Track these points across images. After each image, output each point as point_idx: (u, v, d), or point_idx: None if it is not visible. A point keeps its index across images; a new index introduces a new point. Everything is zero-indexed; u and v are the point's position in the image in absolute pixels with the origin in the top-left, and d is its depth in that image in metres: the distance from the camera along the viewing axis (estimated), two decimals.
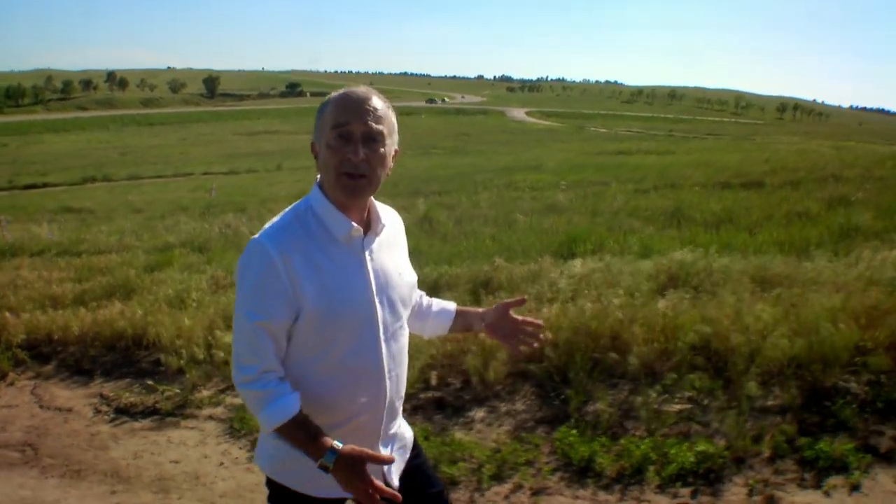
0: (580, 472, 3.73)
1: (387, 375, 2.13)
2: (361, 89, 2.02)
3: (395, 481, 2.24)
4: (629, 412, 4.10)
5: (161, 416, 5.00)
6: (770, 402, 3.98)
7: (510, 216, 10.77)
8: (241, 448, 4.45)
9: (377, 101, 2.01)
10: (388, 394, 2.15)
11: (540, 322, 2.42)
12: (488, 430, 4.21)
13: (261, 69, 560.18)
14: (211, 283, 7.56)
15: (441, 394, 4.62)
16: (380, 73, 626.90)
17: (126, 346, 6.08)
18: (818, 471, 3.48)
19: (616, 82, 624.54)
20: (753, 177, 14.90)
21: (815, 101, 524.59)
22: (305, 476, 2.09)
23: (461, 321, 2.49)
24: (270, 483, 2.23)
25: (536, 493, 3.66)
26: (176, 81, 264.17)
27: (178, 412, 5.01)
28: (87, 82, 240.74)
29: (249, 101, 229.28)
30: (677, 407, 4.04)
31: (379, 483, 1.93)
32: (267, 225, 2.03)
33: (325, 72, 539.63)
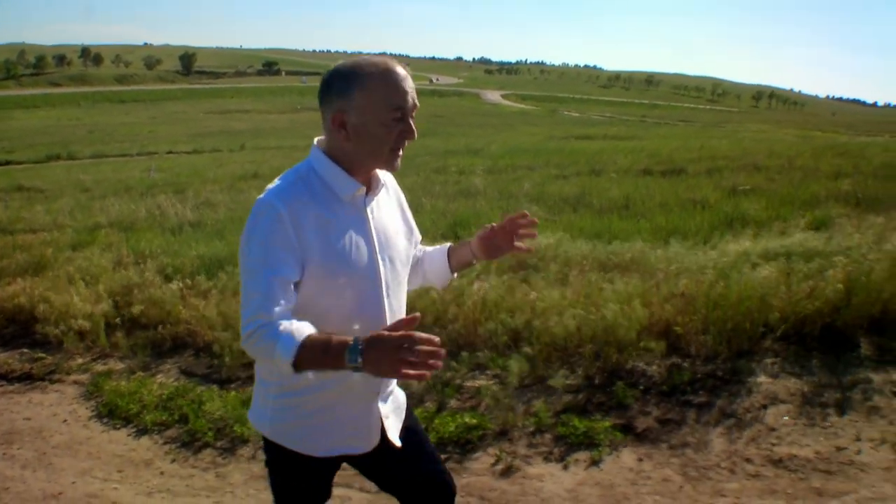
0: None
1: (385, 319, 2.18)
2: (398, 67, 2.07)
3: (397, 440, 2.32)
4: (435, 386, 4.52)
5: (32, 380, 5.49)
6: (571, 381, 4.41)
7: (418, 200, 11.07)
8: (87, 408, 4.95)
9: (411, 79, 2.11)
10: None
11: (527, 213, 2.42)
12: None
13: (239, 47, 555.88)
14: (115, 263, 7.90)
15: None
16: (359, 52, 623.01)
17: (25, 320, 6.47)
18: (568, 446, 3.89)
19: (596, 67, 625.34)
20: (678, 164, 15.22)
21: (792, 90, 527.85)
22: (308, 436, 2.20)
23: (457, 258, 2.52)
24: (269, 445, 2.29)
25: None
26: (151, 58, 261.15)
27: (48, 377, 5.51)
28: (61, 58, 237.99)
29: (225, 79, 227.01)
30: (479, 383, 4.45)
31: (403, 333, 1.80)
32: (270, 186, 2.09)
33: (304, 50, 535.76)
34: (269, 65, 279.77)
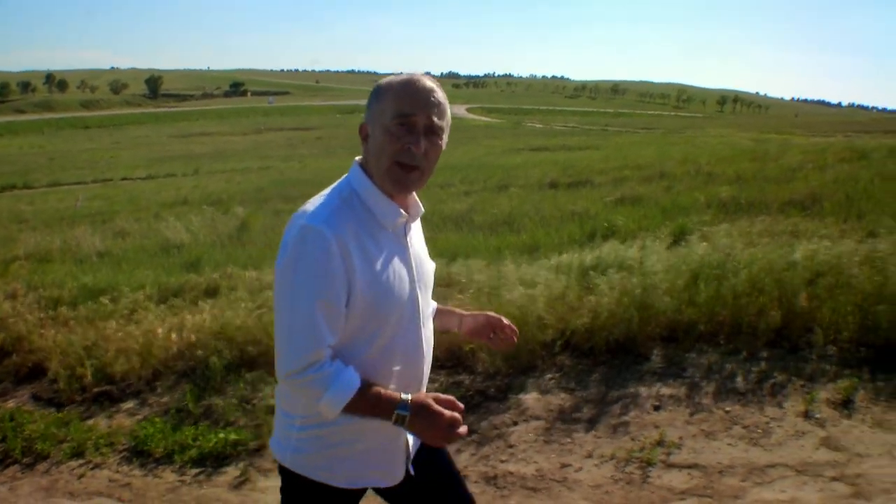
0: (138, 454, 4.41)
1: (424, 359, 2.17)
2: (426, 79, 2.00)
3: (411, 468, 2.27)
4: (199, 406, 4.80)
5: None
6: None
7: None
8: None
9: (441, 95, 2.01)
10: (424, 376, 2.20)
11: (513, 327, 2.48)
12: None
13: (206, 68, 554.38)
14: (9, 295, 8.11)
15: None
16: (326, 70, 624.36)
17: None
18: None
19: (563, 77, 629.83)
20: (586, 176, 15.56)
21: (758, 93, 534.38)
22: (332, 467, 2.12)
23: (442, 322, 2.51)
24: (287, 473, 2.19)
25: (97, 466, 4.35)
26: (117, 82, 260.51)
27: None
28: (26, 84, 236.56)
29: (192, 102, 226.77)
30: (234, 401, 4.73)
31: (452, 413, 1.93)
32: (312, 207, 1.97)
33: (272, 70, 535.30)
34: (237, 86, 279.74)
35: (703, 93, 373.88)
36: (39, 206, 23.66)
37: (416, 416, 1.92)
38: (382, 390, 1.96)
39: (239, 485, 3.96)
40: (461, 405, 1.97)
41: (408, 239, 2.11)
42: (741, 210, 9.73)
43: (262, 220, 12.92)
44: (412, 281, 2.09)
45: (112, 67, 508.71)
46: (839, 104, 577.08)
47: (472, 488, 3.64)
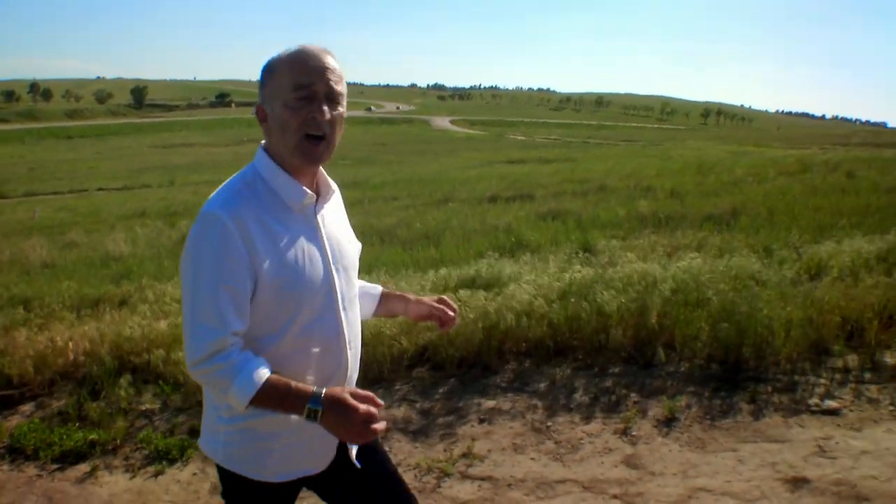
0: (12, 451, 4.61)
1: (347, 346, 2.10)
2: (317, 47, 1.95)
3: (355, 460, 2.23)
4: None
5: None
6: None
7: None
8: None
9: (334, 61, 1.96)
10: (349, 365, 2.12)
11: (455, 308, 2.47)
12: None
13: (193, 79, 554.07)
14: None
15: None
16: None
17: None
18: (148, 459, 4.37)
19: (549, 90, 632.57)
20: (529, 189, 15.88)
21: (742, 106, 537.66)
22: (262, 461, 2.07)
23: (387, 308, 2.49)
24: (224, 473, 2.14)
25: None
26: (102, 92, 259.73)
27: None
28: (10, 93, 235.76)
29: (177, 112, 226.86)
30: (149, 406, 5.01)
31: (367, 408, 1.85)
32: (214, 194, 1.93)
33: (258, 81, 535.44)
34: (222, 96, 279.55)
35: (687, 105, 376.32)
36: (8, 216, 23.84)
37: (329, 410, 1.84)
38: (294, 383, 1.88)
39: (83, 479, 4.21)
40: (380, 401, 1.90)
41: (319, 219, 2.04)
42: (660, 224, 10.05)
43: None
44: (326, 263, 2.02)
45: (98, 77, 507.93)
46: (823, 117, 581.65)
47: None
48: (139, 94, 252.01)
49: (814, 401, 4.53)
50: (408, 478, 3.94)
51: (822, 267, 6.57)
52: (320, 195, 2.06)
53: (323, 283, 2.00)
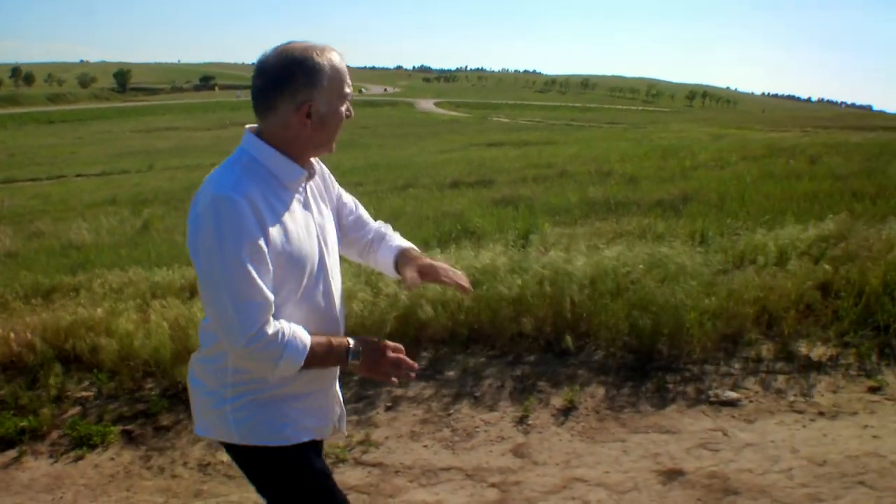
0: None
1: (336, 308, 2.30)
2: (339, 55, 2.15)
3: (344, 428, 2.49)
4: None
5: None
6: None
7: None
8: None
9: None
10: (342, 331, 2.33)
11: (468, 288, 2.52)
12: None
13: (177, 62, 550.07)
14: None
15: None
16: None
17: None
18: (73, 444, 4.53)
19: (535, 71, 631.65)
20: (492, 175, 15.99)
21: (728, 88, 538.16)
22: (277, 426, 2.18)
23: (407, 259, 2.51)
24: (242, 452, 2.25)
25: None
26: (85, 76, 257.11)
27: None
28: None
29: (161, 96, 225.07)
30: (84, 394, 5.17)
31: (395, 355, 2.21)
32: (215, 181, 2.06)
33: (243, 63, 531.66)
34: (206, 79, 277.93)
35: (673, 87, 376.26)
36: None
37: (368, 354, 2.16)
38: (333, 339, 2.15)
39: (9, 465, 4.38)
40: (398, 345, 2.23)
41: (309, 195, 2.24)
42: (610, 210, 10.22)
43: (168, 222, 13.26)
44: (317, 235, 2.21)
45: (81, 61, 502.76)
46: (809, 99, 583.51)
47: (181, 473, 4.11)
48: (122, 78, 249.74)
49: (714, 392, 4.66)
50: None
51: (751, 255, 6.63)
52: (310, 174, 2.25)
53: (318, 256, 2.19)
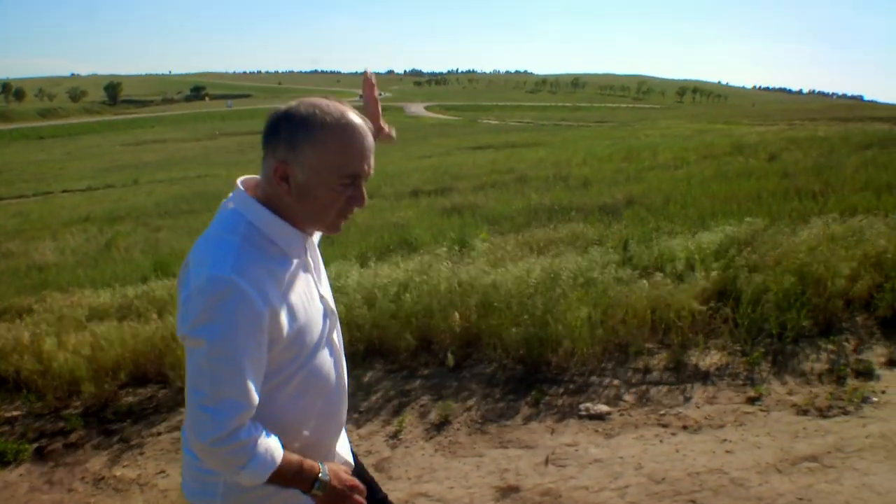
0: None
1: (343, 370, 2.12)
2: (358, 120, 1.84)
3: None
4: None
5: None
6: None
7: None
8: None
9: (371, 136, 1.87)
10: (345, 395, 2.15)
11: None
12: None
13: (168, 73, 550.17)
14: None
15: None
16: (290, 71, 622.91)
17: None
18: None
19: (527, 72, 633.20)
20: (453, 182, 16.20)
21: (719, 83, 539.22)
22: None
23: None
24: None
25: None
26: (76, 90, 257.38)
27: None
28: None
29: (152, 107, 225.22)
30: (14, 413, 5.44)
31: (360, 500, 2.01)
32: (212, 254, 1.79)
33: (234, 73, 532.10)
34: (198, 90, 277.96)
35: (663, 84, 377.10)
36: None
37: (328, 497, 1.96)
38: (305, 461, 1.93)
39: None
40: (363, 486, 2.06)
41: (309, 259, 2.00)
42: (552, 217, 10.43)
43: (132, 239, 13.52)
44: (320, 297, 2.01)
45: (72, 74, 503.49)
46: (800, 91, 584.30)
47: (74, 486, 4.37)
48: (113, 91, 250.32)
49: (586, 405, 4.68)
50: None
51: (660, 262, 6.73)
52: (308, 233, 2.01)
53: (323, 320, 2.00)
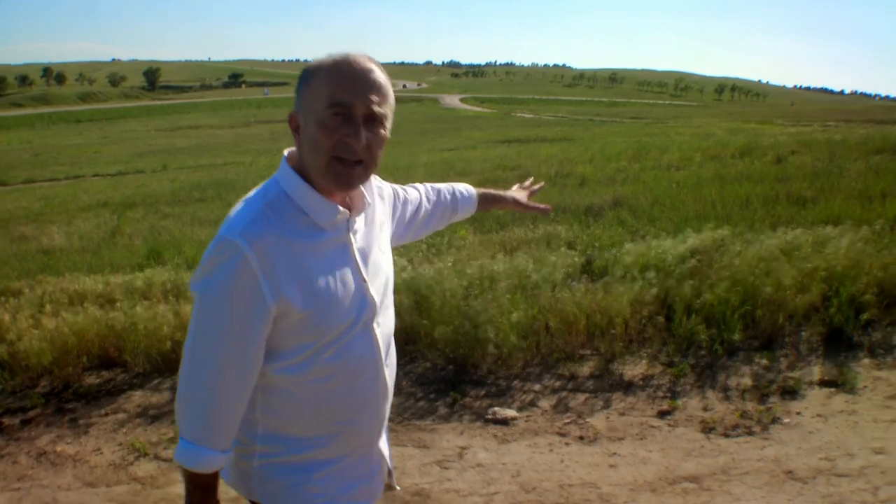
0: None
1: (384, 366, 1.94)
2: (362, 58, 1.73)
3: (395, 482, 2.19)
4: None
5: None
6: None
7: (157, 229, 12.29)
8: None
9: (380, 75, 1.75)
10: (388, 384, 1.98)
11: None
12: None
13: (207, 59, 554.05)
14: None
15: None
16: None
17: None
18: None
19: (565, 66, 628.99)
20: (454, 180, 16.05)
21: (759, 81, 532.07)
22: (311, 494, 1.89)
23: (484, 203, 2.59)
24: None
25: None
26: (115, 75, 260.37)
27: None
28: (24, 78, 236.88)
29: (191, 94, 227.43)
30: None
31: None
32: (232, 215, 1.73)
33: (272, 60, 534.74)
34: (235, 76, 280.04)
35: (702, 81, 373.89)
36: None
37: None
38: (215, 499, 1.82)
39: None
40: None
41: (351, 235, 1.84)
42: (536, 217, 10.57)
43: (139, 226, 13.83)
44: (360, 282, 1.84)
45: (113, 59, 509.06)
46: (842, 92, 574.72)
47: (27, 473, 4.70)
48: (152, 76, 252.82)
49: (494, 409, 4.72)
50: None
51: (613, 268, 6.61)
52: (354, 209, 1.87)
53: (356, 305, 1.83)
